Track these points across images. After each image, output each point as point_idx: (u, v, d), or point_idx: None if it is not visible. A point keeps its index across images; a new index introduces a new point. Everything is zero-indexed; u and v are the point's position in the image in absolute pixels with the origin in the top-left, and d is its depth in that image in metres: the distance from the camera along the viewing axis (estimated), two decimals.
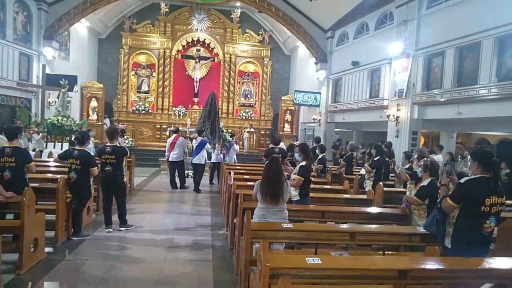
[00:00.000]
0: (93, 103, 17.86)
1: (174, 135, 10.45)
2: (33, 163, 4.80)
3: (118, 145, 5.64)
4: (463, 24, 9.31)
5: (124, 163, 5.75)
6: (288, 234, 3.40)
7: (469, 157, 3.16)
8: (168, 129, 17.50)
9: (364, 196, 5.56)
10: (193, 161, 10.04)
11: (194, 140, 10.37)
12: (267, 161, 4.05)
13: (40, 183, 5.47)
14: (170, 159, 10.12)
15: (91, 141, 10.80)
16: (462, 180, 3.06)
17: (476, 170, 3.04)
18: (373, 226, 3.79)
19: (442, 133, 12.71)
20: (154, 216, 6.93)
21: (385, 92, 12.36)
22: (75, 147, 5.29)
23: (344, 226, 3.60)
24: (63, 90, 11.69)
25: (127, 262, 4.54)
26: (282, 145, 9.96)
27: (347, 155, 9.63)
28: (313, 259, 2.51)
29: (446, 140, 12.63)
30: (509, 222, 3.77)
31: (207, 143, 10.13)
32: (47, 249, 4.62)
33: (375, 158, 7.00)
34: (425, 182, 4.35)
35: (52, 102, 13.57)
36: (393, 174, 7.85)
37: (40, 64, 13.69)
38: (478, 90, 8.78)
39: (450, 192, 3.05)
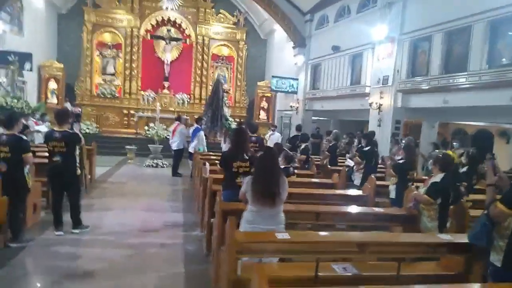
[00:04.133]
0: (52, 84, 16.29)
1: (176, 122, 10.32)
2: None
3: (69, 130, 4.66)
4: (453, 7, 8.81)
5: (77, 152, 4.79)
6: (283, 247, 2.67)
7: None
8: (136, 115, 16.38)
9: (360, 192, 4.90)
10: (189, 150, 9.59)
11: (191, 128, 9.87)
12: (261, 153, 3.28)
13: None
14: (172, 147, 10.09)
15: (46, 127, 9.66)
16: None
17: None
18: (385, 234, 3.13)
19: (424, 122, 12.38)
20: (116, 213, 6.01)
21: (367, 78, 11.83)
22: (4, 132, 4.28)
23: (351, 234, 2.91)
24: (12, 67, 10.31)
25: (77, 277, 3.65)
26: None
27: (331, 144, 9.02)
28: None
29: (427, 130, 12.31)
30: None
31: (200, 131, 9.52)
32: None
33: (365, 149, 6.38)
34: (437, 178, 3.73)
35: (3, 82, 12.06)
36: (382, 165, 7.30)
37: None
38: (468, 78, 8.35)
39: (502, 195, 2.39)
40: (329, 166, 7.66)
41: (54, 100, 16.20)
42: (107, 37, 17.27)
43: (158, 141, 11.95)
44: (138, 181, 9.10)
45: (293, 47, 15.70)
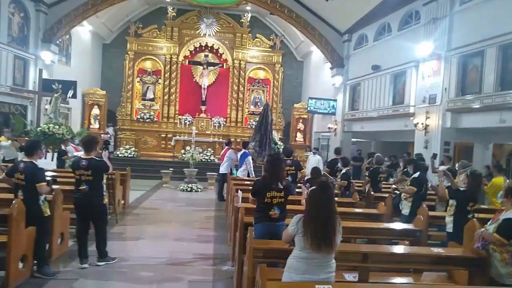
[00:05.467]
0: (95, 110, 16.95)
1: (226, 147, 10.60)
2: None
3: (96, 158, 4.51)
4: (507, 18, 8.09)
5: (104, 180, 4.62)
6: None
7: None
8: (173, 138, 16.53)
9: (411, 226, 4.28)
10: (237, 174, 9.52)
11: (239, 153, 9.87)
12: (314, 187, 2.83)
13: None
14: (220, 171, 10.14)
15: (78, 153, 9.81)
16: None
17: None
18: None
19: (476, 144, 11.36)
20: (145, 243, 5.76)
21: (411, 98, 11.10)
22: (23, 159, 4.19)
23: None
24: (55, 95, 10.70)
25: None
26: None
27: (371, 169, 8.36)
28: None
29: (480, 152, 11.27)
30: None
31: (248, 156, 9.50)
32: None
33: (415, 175, 5.73)
34: (510, 214, 3.10)
35: (47, 109, 12.61)
36: (432, 192, 6.57)
37: (37, 68, 12.78)
38: None
39: None
40: (372, 193, 7.01)
41: (97, 126, 16.79)
42: (147, 64, 17.85)
43: (193, 165, 11.83)
44: (171, 206, 8.92)
45: (331, 68, 15.32)
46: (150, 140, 17.49)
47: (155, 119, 17.59)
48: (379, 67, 12.66)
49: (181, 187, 11.17)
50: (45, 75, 12.71)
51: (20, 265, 3.89)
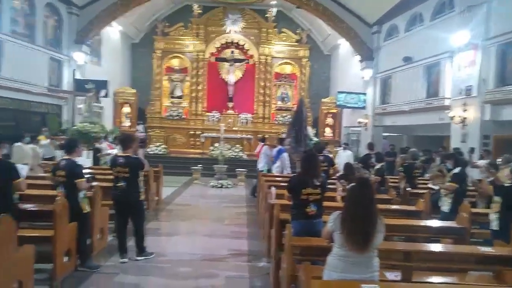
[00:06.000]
0: (126, 109, 17.36)
1: (261, 144, 10.33)
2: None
3: (133, 155, 4.60)
4: None
5: (140, 177, 4.71)
6: None
7: None
8: (202, 135, 16.69)
9: (453, 224, 4.11)
10: (272, 171, 9.34)
11: (274, 149, 9.58)
12: (352, 184, 2.78)
13: (38, 202, 4.51)
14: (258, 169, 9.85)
15: (118, 150, 10.08)
16: None
17: None
18: None
19: None
20: (180, 239, 5.86)
21: (446, 90, 10.70)
22: (63, 157, 4.34)
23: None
24: (89, 95, 11.03)
25: None
26: None
27: (405, 164, 8.11)
28: None
29: None
30: None
31: (284, 152, 9.24)
32: None
33: (456, 171, 5.50)
34: None
35: (81, 108, 13.03)
36: (472, 187, 6.30)
37: (71, 69, 13.23)
38: None
39: None
40: (408, 189, 6.80)
41: (128, 124, 17.19)
42: (175, 62, 18.06)
43: (223, 161, 11.91)
44: (203, 202, 9.02)
45: (360, 61, 14.98)
46: (179, 137, 17.71)
47: (183, 116, 17.80)
48: (411, 58, 12.27)
49: (212, 184, 11.29)
50: (78, 75, 13.15)
51: (65, 258, 4.03)
